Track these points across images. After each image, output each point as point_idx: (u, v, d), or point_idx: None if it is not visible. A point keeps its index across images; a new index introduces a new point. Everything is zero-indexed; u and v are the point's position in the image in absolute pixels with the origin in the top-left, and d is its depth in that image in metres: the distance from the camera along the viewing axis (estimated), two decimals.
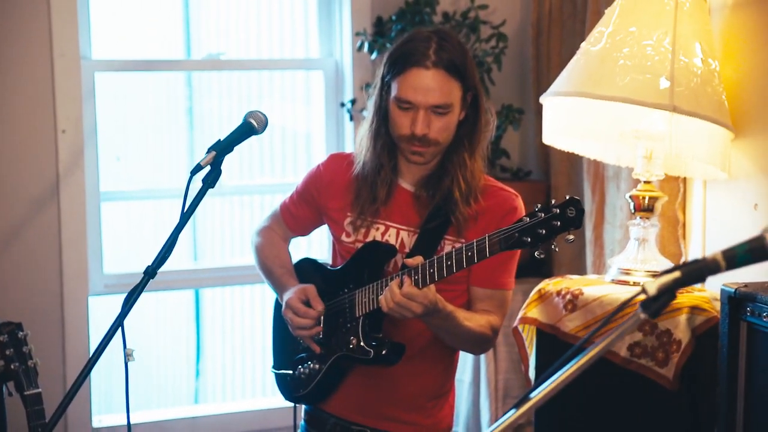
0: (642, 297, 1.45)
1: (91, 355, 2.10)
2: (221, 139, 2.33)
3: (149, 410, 4.23)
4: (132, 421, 2.31)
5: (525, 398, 1.52)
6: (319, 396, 2.64)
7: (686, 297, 2.70)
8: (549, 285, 2.99)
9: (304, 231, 2.81)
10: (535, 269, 3.93)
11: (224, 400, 4.56)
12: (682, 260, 3.12)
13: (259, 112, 2.39)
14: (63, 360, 3.84)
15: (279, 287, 2.68)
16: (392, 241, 2.55)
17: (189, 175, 2.26)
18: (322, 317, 2.54)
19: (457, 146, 2.52)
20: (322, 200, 2.67)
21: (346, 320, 2.52)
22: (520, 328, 3.04)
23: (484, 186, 2.54)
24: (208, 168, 2.29)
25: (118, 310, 2.11)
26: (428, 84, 2.41)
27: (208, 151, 2.30)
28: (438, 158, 2.54)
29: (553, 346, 2.92)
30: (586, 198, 3.52)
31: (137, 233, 4.37)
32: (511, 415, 1.52)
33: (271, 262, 2.73)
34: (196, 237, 4.52)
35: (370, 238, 2.57)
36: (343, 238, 2.62)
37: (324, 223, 2.73)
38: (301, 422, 2.76)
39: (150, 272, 2.20)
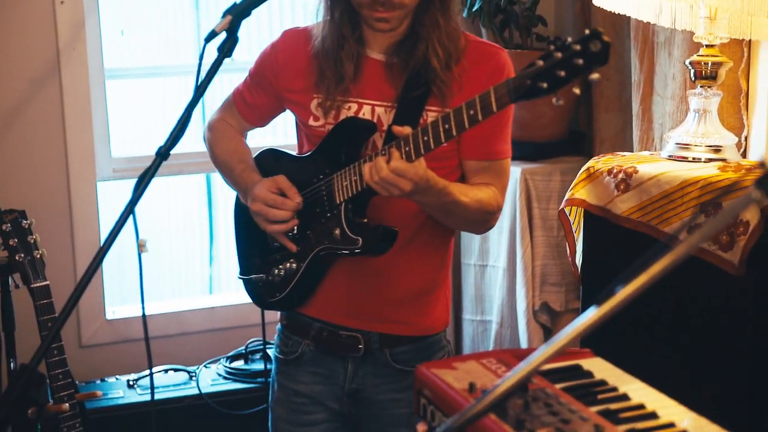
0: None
1: (101, 245, 1.88)
2: (237, 2, 2.07)
3: (163, 301, 4.05)
4: (147, 313, 2.13)
5: (609, 293, 1.30)
6: (297, 299, 2.40)
7: (757, 173, 2.46)
8: (598, 163, 2.76)
9: (262, 121, 2.54)
10: (574, 147, 3.67)
11: (238, 286, 4.38)
12: (744, 134, 2.86)
13: None
14: (72, 250, 3.62)
15: (240, 184, 2.42)
16: (368, 118, 2.28)
17: (203, 42, 2.00)
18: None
19: (427, 5, 2.23)
20: (281, 84, 2.39)
21: (325, 209, 2.26)
22: (566, 210, 2.81)
23: (464, 43, 2.26)
24: (223, 35, 2.04)
25: (128, 196, 1.89)
26: None
27: (223, 15, 2.05)
28: (407, 21, 2.26)
29: (603, 230, 2.71)
30: (633, 67, 3.22)
31: (145, 113, 4.11)
32: (595, 314, 1.30)
33: (229, 158, 2.47)
34: (206, 116, 4.25)
35: None
36: (311, 122, 2.34)
37: (284, 110, 2.46)
38: (277, 326, 2.52)
39: (162, 153, 1.95)
